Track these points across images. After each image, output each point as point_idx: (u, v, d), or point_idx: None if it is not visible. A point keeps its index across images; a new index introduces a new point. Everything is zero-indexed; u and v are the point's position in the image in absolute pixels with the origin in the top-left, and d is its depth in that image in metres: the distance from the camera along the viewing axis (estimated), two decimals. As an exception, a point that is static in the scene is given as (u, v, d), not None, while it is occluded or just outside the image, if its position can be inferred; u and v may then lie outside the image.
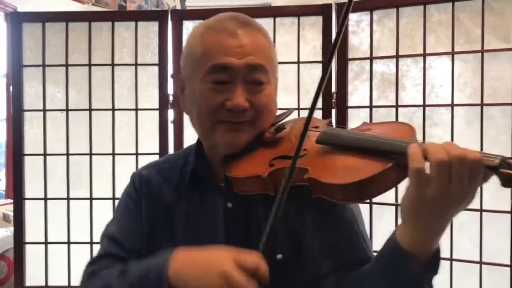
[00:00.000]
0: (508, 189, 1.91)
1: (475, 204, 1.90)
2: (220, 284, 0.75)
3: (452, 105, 1.97)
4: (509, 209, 1.88)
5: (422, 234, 0.75)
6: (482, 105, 1.92)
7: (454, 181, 0.69)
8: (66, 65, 2.27)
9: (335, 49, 0.83)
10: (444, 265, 1.96)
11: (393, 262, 0.77)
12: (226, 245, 0.89)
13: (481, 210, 1.92)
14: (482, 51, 1.91)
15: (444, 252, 1.96)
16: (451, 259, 1.96)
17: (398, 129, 0.87)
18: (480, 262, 1.92)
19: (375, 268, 0.83)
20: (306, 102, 2.12)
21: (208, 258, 0.80)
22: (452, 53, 1.96)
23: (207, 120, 0.94)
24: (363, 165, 0.77)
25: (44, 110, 2.28)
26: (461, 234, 1.97)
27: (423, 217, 0.73)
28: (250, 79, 0.92)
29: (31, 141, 2.30)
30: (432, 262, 0.77)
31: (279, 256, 0.91)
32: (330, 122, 0.98)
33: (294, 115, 1.07)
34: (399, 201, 1.93)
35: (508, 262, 1.88)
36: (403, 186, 0.77)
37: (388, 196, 1.98)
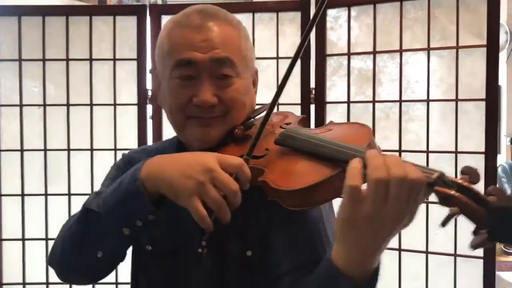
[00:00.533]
0: (482, 183, 1.95)
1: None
2: (204, 178, 0.76)
3: (427, 101, 2.00)
4: (482, 203, 1.92)
5: (357, 253, 0.69)
6: (457, 100, 1.96)
7: (391, 200, 0.64)
8: (43, 60, 2.24)
9: (302, 47, 0.83)
10: (420, 258, 2.01)
11: (326, 281, 0.73)
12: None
13: (455, 204, 1.96)
14: (457, 47, 1.94)
15: (420, 245, 2.01)
16: (426, 252, 2.00)
17: (357, 131, 0.85)
18: (455, 255, 1.97)
19: (312, 283, 0.79)
20: (284, 98, 2.13)
21: (191, 157, 0.82)
22: (428, 49, 1.99)
23: (177, 116, 0.93)
24: (311, 171, 0.75)
25: (21, 105, 2.26)
26: (436, 228, 2.01)
27: (356, 236, 0.67)
28: (217, 73, 0.90)
29: (8, 137, 2.27)
30: (369, 281, 0.71)
31: (249, 253, 0.90)
32: (304, 118, 0.97)
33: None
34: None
35: (481, 255, 1.92)
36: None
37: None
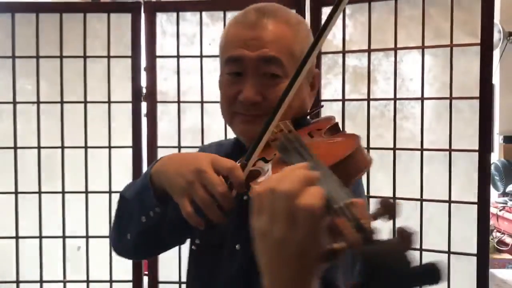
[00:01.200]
0: (475, 181, 1.95)
1: (443, 195, 1.96)
2: (193, 178, 0.79)
3: (422, 99, 2.01)
4: (475, 200, 1.93)
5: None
6: (451, 98, 1.97)
7: (267, 216, 0.55)
8: (37, 57, 2.23)
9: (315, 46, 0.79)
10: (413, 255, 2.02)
11: None
12: None
13: (449, 202, 1.97)
14: (451, 46, 1.95)
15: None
16: (420, 249, 2.01)
17: (341, 143, 0.81)
18: (449, 252, 1.98)
19: None
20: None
21: (188, 156, 0.87)
22: (422, 48, 2.00)
23: (226, 111, 0.95)
24: None
25: (15, 103, 2.24)
26: (430, 225, 2.02)
27: (264, 260, 0.58)
28: (263, 71, 0.90)
29: (1, 134, 2.26)
30: None
31: (237, 246, 0.92)
32: (334, 126, 0.89)
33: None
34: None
35: (475, 251, 1.93)
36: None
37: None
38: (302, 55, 0.89)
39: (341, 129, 0.90)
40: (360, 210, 0.53)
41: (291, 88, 0.82)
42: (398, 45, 2.03)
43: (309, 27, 0.99)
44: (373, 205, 0.55)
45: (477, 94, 1.91)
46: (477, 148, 1.93)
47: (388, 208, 0.55)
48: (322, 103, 2.14)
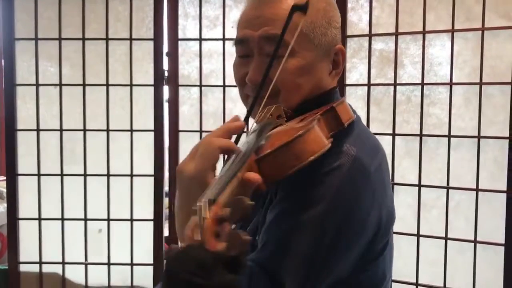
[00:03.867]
0: (505, 169, 1.89)
1: (471, 183, 1.91)
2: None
3: (450, 84, 1.95)
4: (504, 189, 1.88)
5: None
6: (481, 84, 1.91)
7: None
8: (59, 39, 2.22)
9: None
10: (439, 244, 1.98)
11: None
12: None
13: (477, 190, 1.92)
14: (483, 29, 1.88)
15: (439, 231, 1.98)
16: (446, 238, 1.97)
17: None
18: (475, 241, 1.93)
19: None
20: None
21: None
22: (452, 31, 1.93)
23: (240, 93, 0.92)
24: None
25: (37, 85, 2.25)
26: (456, 214, 1.97)
27: None
28: (267, 51, 0.84)
29: (24, 116, 2.27)
30: None
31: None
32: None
33: None
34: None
35: (503, 241, 1.88)
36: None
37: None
38: (315, 30, 0.86)
39: (337, 113, 0.81)
40: (216, 211, 0.51)
41: (269, 67, 0.79)
42: (427, 29, 1.97)
43: None
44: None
45: (509, 79, 1.85)
46: (507, 135, 1.87)
47: (236, 207, 0.51)
48: (347, 88, 2.10)
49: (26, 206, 2.28)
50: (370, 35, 2.06)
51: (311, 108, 0.84)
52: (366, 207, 0.81)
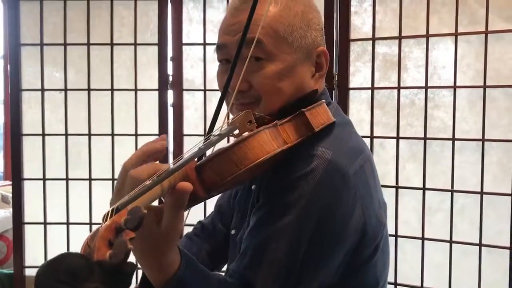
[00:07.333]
0: (510, 172, 1.89)
1: (475, 186, 1.91)
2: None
3: (454, 87, 1.95)
4: (509, 192, 1.87)
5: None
6: (484, 87, 1.91)
7: None
8: (65, 44, 2.24)
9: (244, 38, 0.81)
10: (444, 247, 1.97)
11: None
12: None
13: (481, 193, 1.92)
14: (486, 32, 1.88)
15: (444, 234, 1.98)
16: (450, 241, 1.97)
17: None
18: (480, 244, 1.93)
19: None
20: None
21: None
22: (456, 34, 1.93)
23: (226, 100, 0.89)
24: None
25: (43, 90, 2.26)
26: (461, 217, 1.97)
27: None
28: (246, 56, 0.82)
29: (30, 121, 2.28)
30: None
31: (233, 231, 0.95)
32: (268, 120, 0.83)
33: None
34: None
35: (508, 244, 1.88)
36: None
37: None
38: (293, 33, 0.86)
39: (306, 118, 0.79)
40: (115, 219, 0.53)
41: (232, 73, 0.79)
42: (430, 32, 1.97)
43: (310, 1, 0.91)
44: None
45: (513, 82, 1.85)
46: (511, 137, 1.87)
47: (134, 217, 0.52)
48: (351, 91, 2.10)
49: (32, 210, 2.29)
50: (373, 39, 2.06)
51: (292, 112, 0.82)
52: (346, 210, 0.79)
